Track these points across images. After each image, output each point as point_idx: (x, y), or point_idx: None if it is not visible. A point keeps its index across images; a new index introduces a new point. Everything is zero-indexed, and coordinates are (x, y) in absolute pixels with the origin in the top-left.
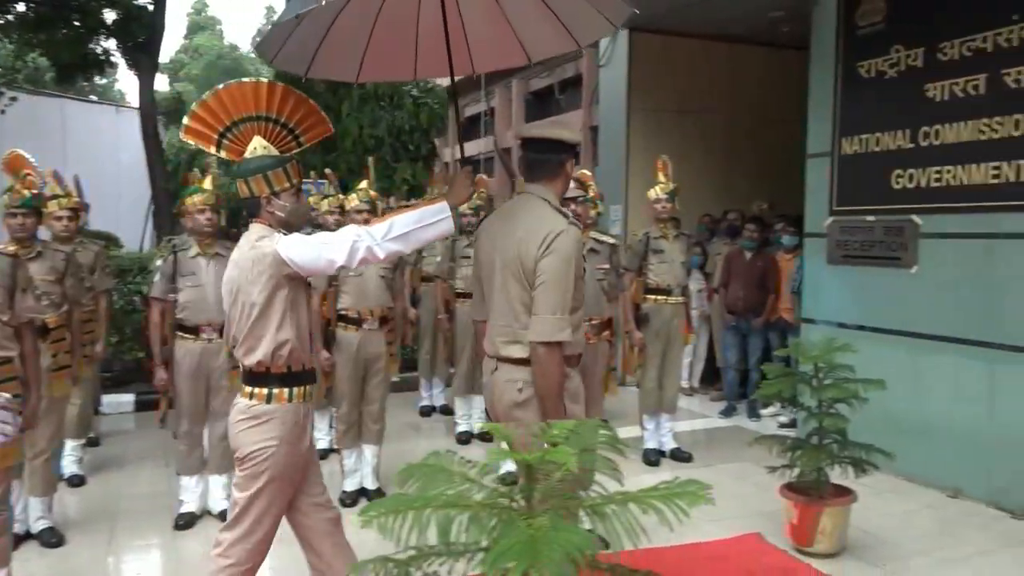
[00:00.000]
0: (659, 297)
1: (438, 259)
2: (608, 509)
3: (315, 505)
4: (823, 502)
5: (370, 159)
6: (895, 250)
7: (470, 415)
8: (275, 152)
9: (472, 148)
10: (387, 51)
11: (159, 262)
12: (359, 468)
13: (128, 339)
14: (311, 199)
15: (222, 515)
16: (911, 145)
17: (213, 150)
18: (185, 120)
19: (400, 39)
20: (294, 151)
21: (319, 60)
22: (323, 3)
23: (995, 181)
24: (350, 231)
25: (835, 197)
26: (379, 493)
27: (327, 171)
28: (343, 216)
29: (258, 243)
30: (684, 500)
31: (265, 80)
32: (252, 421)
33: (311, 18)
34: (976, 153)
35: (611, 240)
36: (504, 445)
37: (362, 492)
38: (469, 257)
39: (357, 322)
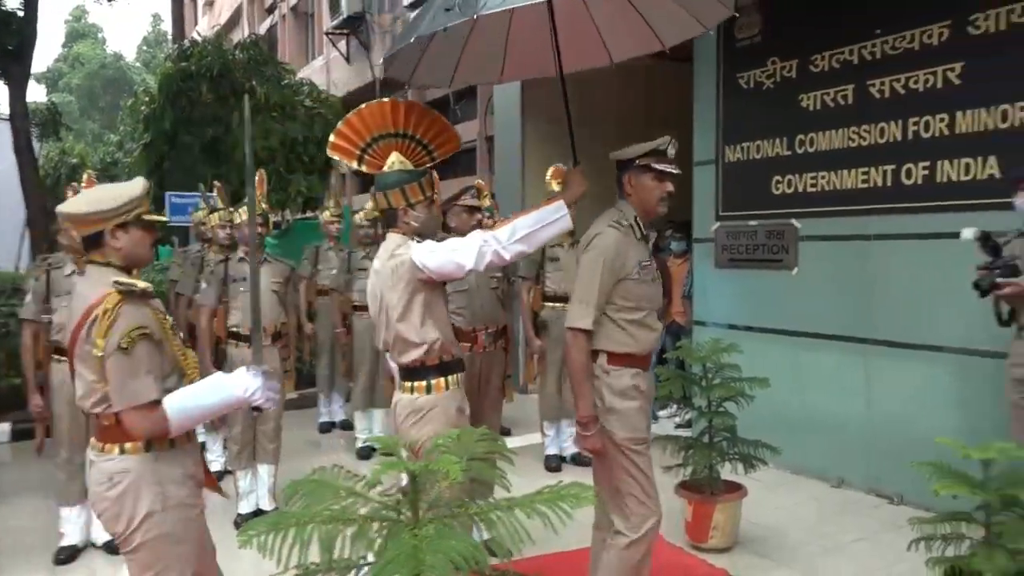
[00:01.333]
0: (557, 304)
1: (334, 272)
2: (494, 516)
3: None
4: (715, 498)
5: (261, 172)
6: (777, 253)
7: (370, 429)
8: (410, 167)
9: None
10: (528, 50)
11: (32, 282)
12: (254, 489)
13: (2, 364)
14: (199, 213)
15: (107, 546)
16: (788, 152)
17: (355, 165)
18: (331, 137)
19: (538, 39)
20: (427, 165)
21: (460, 71)
22: (445, 30)
23: (864, 186)
24: (477, 236)
25: (721, 203)
26: None
27: (216, 183)
28: (234, 229)
29: (396, 252)
30: (568, 502)
31: (400, 101)
32: (416, 415)
33: (439, 42)
34: (847, 159)
35: None
36: (402, 455)
37: (258, 514)
38: (366, 269)
39: (249, 339)
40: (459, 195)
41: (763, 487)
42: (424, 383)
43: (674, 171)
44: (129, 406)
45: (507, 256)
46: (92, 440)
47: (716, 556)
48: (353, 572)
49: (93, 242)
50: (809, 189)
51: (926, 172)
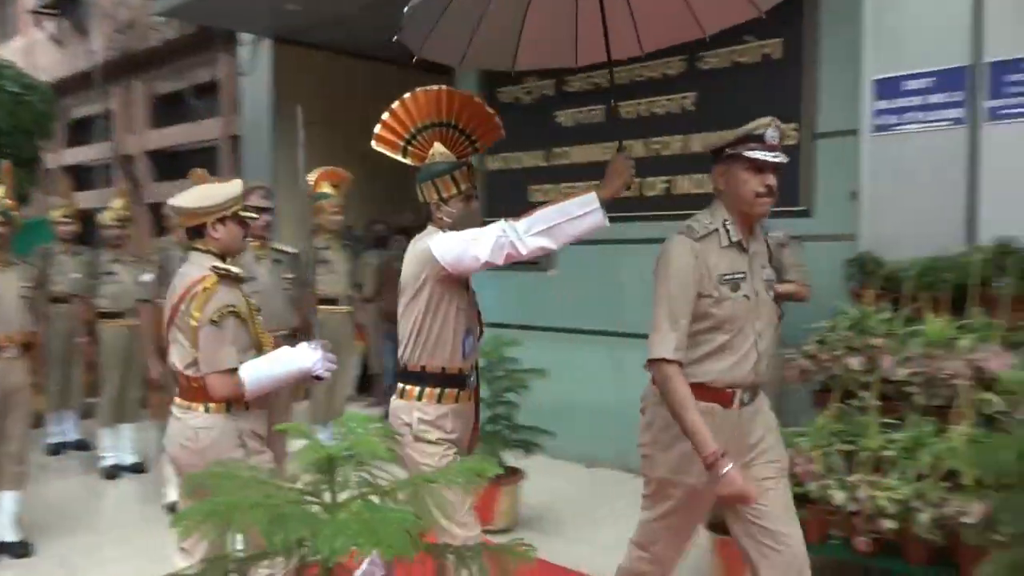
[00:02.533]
0: (327, 307)
1: (73, 276)
2: (414, 490)
3: None
4: (500, 483)
5: (7, 163)
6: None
7: (117, 446)
8: (452, 157)
9: (82, 155)
10: (545, 37)
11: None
12: None
13: None
14: None
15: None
16: (545, 163)
17: (399, 156)
18: (376, 129)
19: (559, 24)
20: (470, 156)
21: (472, 51)
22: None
23: None
24: (496, 226)
25: (483, 208)
26: (22, 546)
27: None
28: None
29: (421, 239)
30: (480, 472)
31: (443, 88)
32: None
33: (455, 12)
34: (598, 172)
35: (292, 250)
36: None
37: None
38: (114, 273)
39: None
40: (246, 194)
41: (532, 471)
42: (400, 386)
43: (774, 159)
44: (213, 370)
45: (523, 251)
46: (177, 400)
47: (499, 536)
48: (294, 554)
49: (196, 232)
50: None
51: (666, 185)
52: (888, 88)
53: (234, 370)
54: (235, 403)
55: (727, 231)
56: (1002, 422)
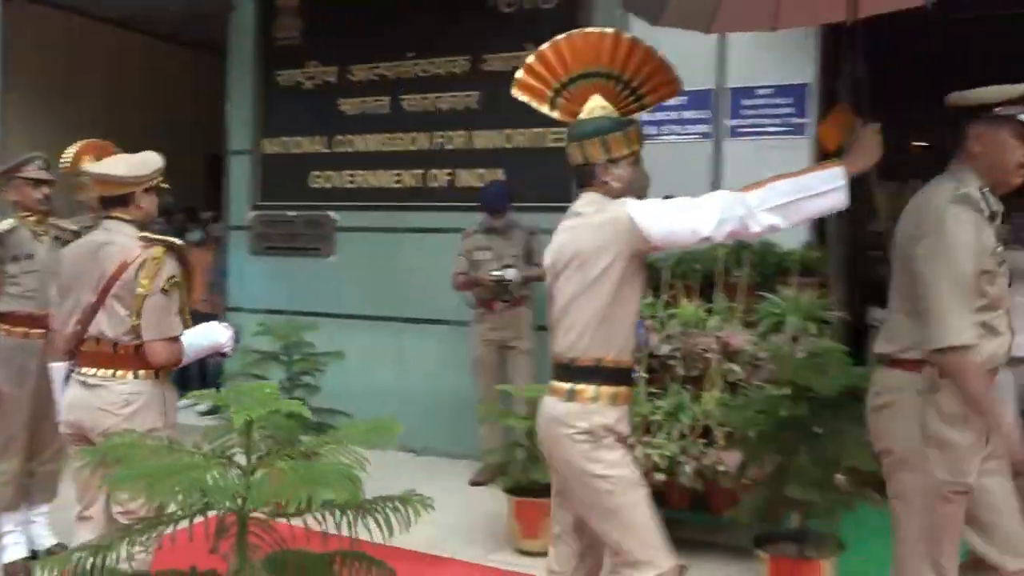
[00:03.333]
0: None
1: None
2: (326, 449)
3: None
4: None
5: None
6: (315, 242)
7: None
8: (614, 114)
9: None
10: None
11: None
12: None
13: None
14: None
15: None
16: (327, 150)
17: (546, 109)
18: (518, 74)
19: None
20: (635, 113)
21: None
22: None
23: (397, 185)
24: (718, 195)
25: (258, 192)
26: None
27: None
28: None
29: (608, 209)
30: (381, 433)
31: (611, 31)
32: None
33: None
34: (382, 161)
35: (73, 227)
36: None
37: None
38: None
39: None
40: (21, 165)
41: None
42: (567, 386)
43: None
44: (160, 337)
45: (755, 228)
46: (95, 369)
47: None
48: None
49: (119, 201)
50: (347, 184)
51: (449, 177)
52: None
53: (177, 338)
54: (162, 371)
55: (987, 200)
56: (743, 387)
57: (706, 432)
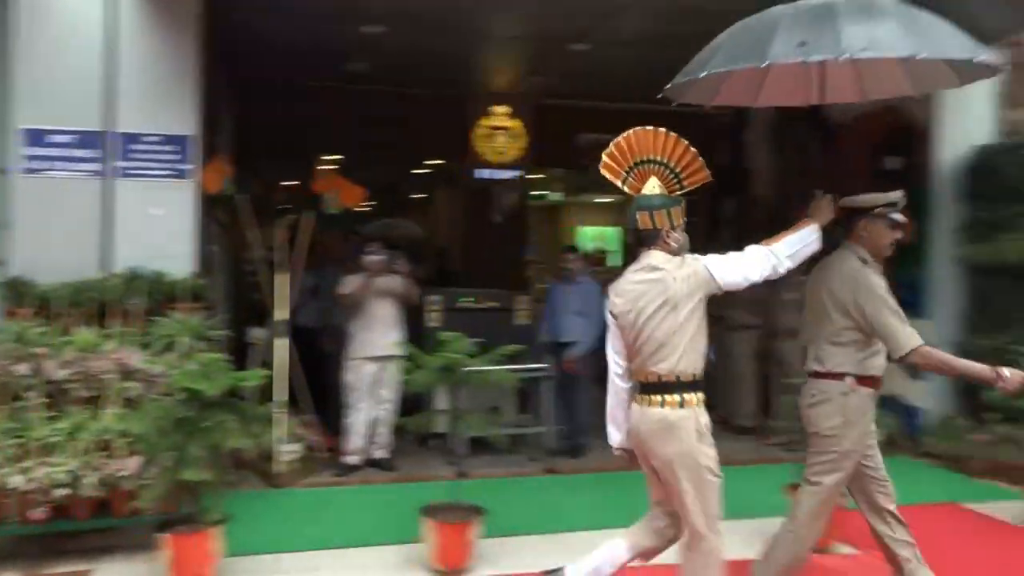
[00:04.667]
0: None
1: None
2: None
3: None
4: None
5: None
6: None
7: None
8: (665, 192)
9: None
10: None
11: None
12: None
13: None
14: None
15: None
16: None
17: (619, 183)
18: (604, 158)
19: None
20: (677, 193)
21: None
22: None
23: None
24: (759, 250)
25: None
26: None
27: None
28: None
29: (684, 265)
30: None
31: (663, 130)
32: (667, 431)
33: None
34: None
35: None
36: None
37: None
38: None
39: None
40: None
41: None
42: (677, 397)
43: (904, 221)
44: None
45: (781, 271)
46: None
47: None
48: None
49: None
50: None
51: None
52: (36, 137)
53: None
54: None
55: (873, 266)
56: (142, 401)
57: (107, 445)
